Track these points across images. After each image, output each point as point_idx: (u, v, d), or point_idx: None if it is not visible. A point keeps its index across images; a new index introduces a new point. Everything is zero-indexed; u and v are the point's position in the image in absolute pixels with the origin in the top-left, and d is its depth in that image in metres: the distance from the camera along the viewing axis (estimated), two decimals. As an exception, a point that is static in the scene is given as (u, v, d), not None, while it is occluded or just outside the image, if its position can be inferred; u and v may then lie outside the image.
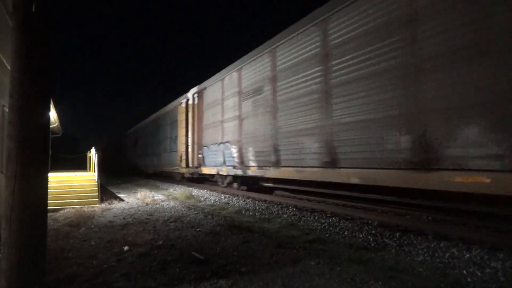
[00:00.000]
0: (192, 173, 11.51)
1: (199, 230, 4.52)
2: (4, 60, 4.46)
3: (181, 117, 12.22)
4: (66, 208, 6.58)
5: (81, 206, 6.90)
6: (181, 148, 12.10)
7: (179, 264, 3.08)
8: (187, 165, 11.60)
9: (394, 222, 4.57)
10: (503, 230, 3.82)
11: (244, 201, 7.49)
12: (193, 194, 9.14)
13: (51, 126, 10.50)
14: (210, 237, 4.12)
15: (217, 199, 8.01)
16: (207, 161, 10.21)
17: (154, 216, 5.70)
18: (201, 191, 10.06)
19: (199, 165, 10.72)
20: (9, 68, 2.42)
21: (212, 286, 2.54)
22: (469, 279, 2.61)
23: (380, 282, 2.51)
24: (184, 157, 11.78)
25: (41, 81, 2.15)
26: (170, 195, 9.25)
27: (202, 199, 8.25)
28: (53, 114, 10.70)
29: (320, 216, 5.39)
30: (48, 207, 2.35)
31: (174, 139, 13.33)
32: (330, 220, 5.04)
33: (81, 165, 18.83)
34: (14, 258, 1.98)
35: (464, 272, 2.75)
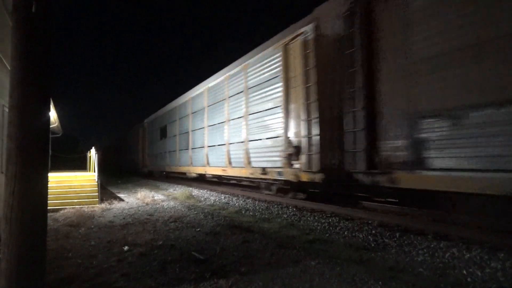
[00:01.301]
0: (334, 184, 5.58)
1: (199, 230, 4.52)
2: (4, 60, 4.46)
3: (297, 67, 6.04)
4: (66, 208, 6.58)
5: (81, 206, 6.90)
6: (296, 128, 5.97)
7: (179, 264, 3.08)
8: (323, 166, 5.36)
9: (394, 222, 4.57)
10: (503, 230, 3.82)
11: (244, 201, 7.48)
12: (193, 194, 9.14)
13: (51, 126, 10.51)
14: (210, 237, 4.12)
15: (217, 199, 8.01)
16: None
17: (154, 216, 5.70)
18: (201, 191, 10.06)
19: (387, 164, 4.49)
20: (9, 68, 2.42)
21: (212, 286, 2.54)
22: (469, 279, 2.61)
23: (380, 282, 2.51)
24: (314, 147, 5.50)
25: (41, 81, 2.15)
26: (170, 195, 9.25)
27: (202, 199, 8.25)
28: (53, 114, 10.70)
29: (320, 216, 5.38)
30: (48, 207, 2.35)
31: (267, 116, 6.87)
32: (330, 220, 5.04)
33: (81, 165, 18.83)
34: (14, 258, 1.98)
35: (464, 272, 2.75)
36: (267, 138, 6.89)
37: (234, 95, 8.47)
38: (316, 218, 5.25)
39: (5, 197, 2.02)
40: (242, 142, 7.94)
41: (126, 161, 24.57)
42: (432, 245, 3.47)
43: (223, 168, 8.87)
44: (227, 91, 8.89)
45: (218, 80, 9.51)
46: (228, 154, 8.60)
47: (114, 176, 19.76)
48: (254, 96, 7.50)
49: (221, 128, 9.08)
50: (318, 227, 4.63)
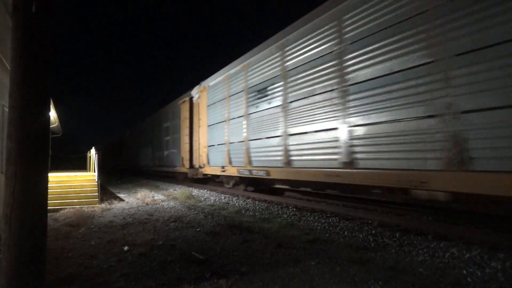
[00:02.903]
0: None
1: (199, 230, 4.52)
2: (4, 60, 4.46)
3: None
4: (66, 208, 6.57)
5: (81, 206, 6.89)
6: None
7: (179, 264, 3.08)
8: None
9: (394, 222, 4.56)
10: (503, 230, 3.82)
11: (244, 201, 7.48)
12: (193, 194, 9.14)
13: (51, 126, 10.50)
14: (210, 237, 4.12)
15: (217, 199, 8.01)
16: None
17: (154, 216, 5.70)
18: (201, 191, 10.06)
19: None
20: (9, 68, 2.42)
21: (212, 286, 2.54)
22: (469, 279, 2.61)
23: (380, 282, 2.51)
24: None
25: (41, 81, 2.15)
26: (170, 195, 9.25)
27: (202, 199, 8.25)
28: (53, 114, 10.69)
29: (320, 216, 5.38)
30: (48, 207, 2.35)
31: None
32: (330, 220, 5.04)
33: (81, 165, 18.79)
34: (14, 258, 1.98)
35: (464, 272, 2.75)
36: None
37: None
38: (316, 218, 5.25)
39: (5, 197, 2.02)
40: None
41: (145, 160, 17.06)
42: (432, 245, 3.47)
43: None
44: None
45: None
46: None
47: (114, 177, 19.75)
48: None
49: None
50: (318, 227, 4.63)
